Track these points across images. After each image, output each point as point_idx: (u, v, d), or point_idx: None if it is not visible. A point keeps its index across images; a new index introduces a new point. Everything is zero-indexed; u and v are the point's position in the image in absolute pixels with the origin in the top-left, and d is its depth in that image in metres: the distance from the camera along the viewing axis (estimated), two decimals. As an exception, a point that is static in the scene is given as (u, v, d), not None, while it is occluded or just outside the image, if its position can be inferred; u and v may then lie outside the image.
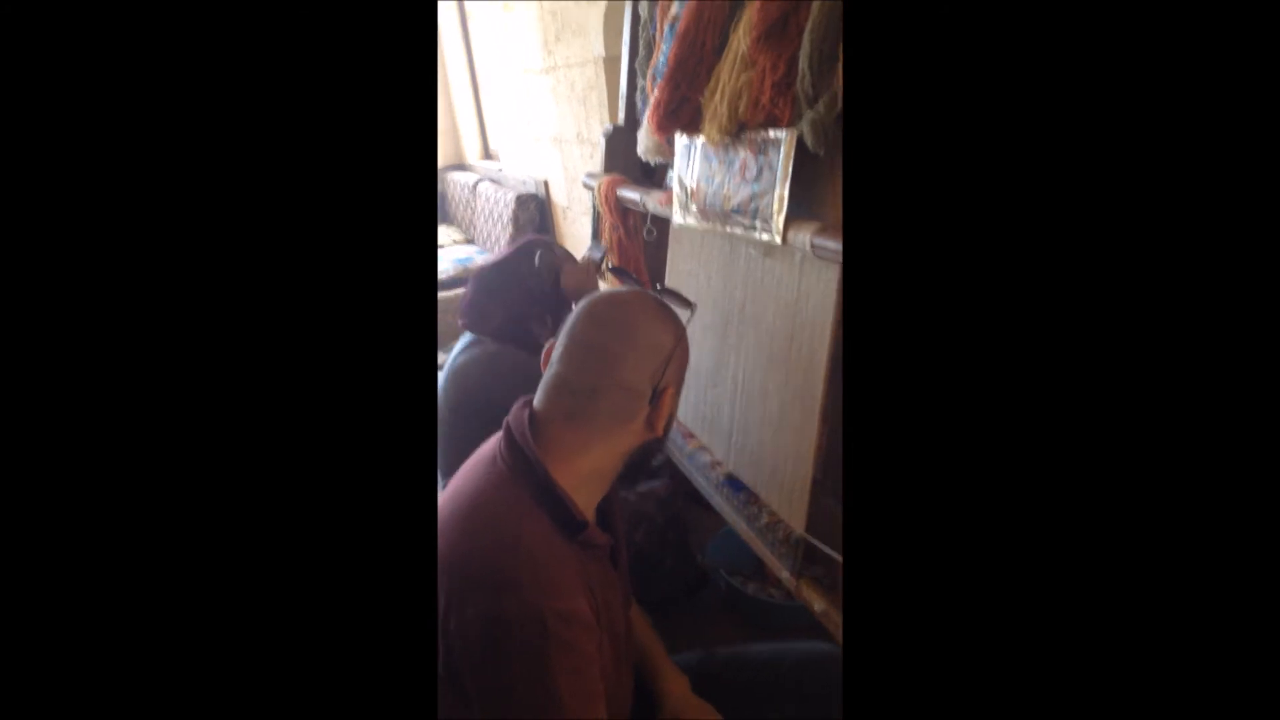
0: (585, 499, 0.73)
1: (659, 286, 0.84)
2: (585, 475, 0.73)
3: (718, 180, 1.05)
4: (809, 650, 0.92)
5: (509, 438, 0.72)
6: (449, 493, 0.76)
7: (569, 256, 1.54)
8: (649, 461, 0.81)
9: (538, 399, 0.75)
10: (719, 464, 1.20)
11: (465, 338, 1.46)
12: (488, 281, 1.42)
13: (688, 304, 0.83)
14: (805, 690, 0.85)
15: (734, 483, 1.14)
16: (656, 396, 0.73)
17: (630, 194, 1.36)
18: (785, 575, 1.01)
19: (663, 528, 1.41)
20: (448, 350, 1.48)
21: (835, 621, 0.93)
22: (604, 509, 0.78)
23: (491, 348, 1.38)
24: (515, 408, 0.75)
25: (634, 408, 0.73)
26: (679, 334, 0.77)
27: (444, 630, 0.63)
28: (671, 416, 0.78)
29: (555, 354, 0.76)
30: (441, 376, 1.40)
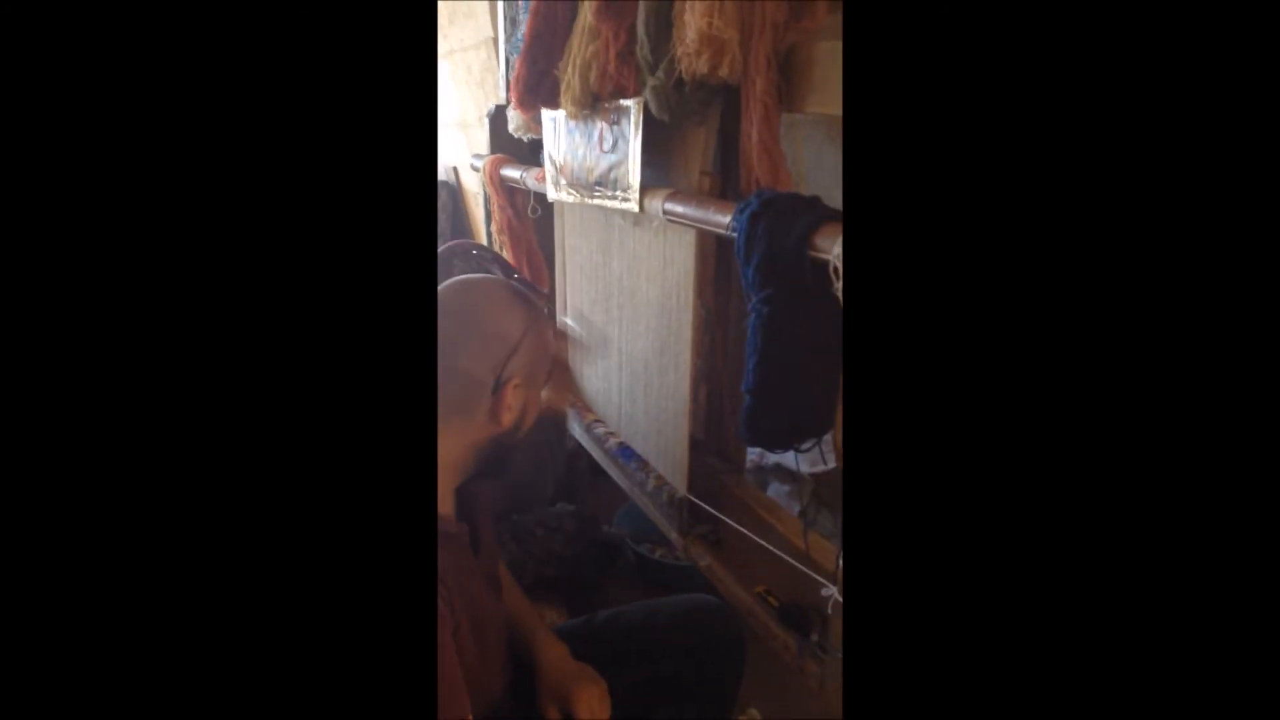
0: (440, 489, 0.73)
1: (517, 276, 0.82)
2: (447, 464, 0.73)
3: (580, 153, 1.05)
4: (684, 602, 0.94)
5: None
6: None
7: (496, 261, 1.50)
8: (505, 460, 0.79)
9: None
10: (612, 434, 1.22)
11: None
12: None
13: (542, 294, 0.82)
14: (681, 641, 0.87)
15: (625, 451, 1.16)
16: (499, 387, 0.73)
17: (512, 172, 1.36)
18: (674, 535, 1.04)
19: (574, 534, 1.42)
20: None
21: (719, 575, 0.96)
22: (462, 497, 0.78)
23: None
24: None
25: (473, 397, 0.72)
26: (529, 325, 0.75)
27: None
28: (521, 411, 0.76)
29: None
30: None
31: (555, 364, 0.79)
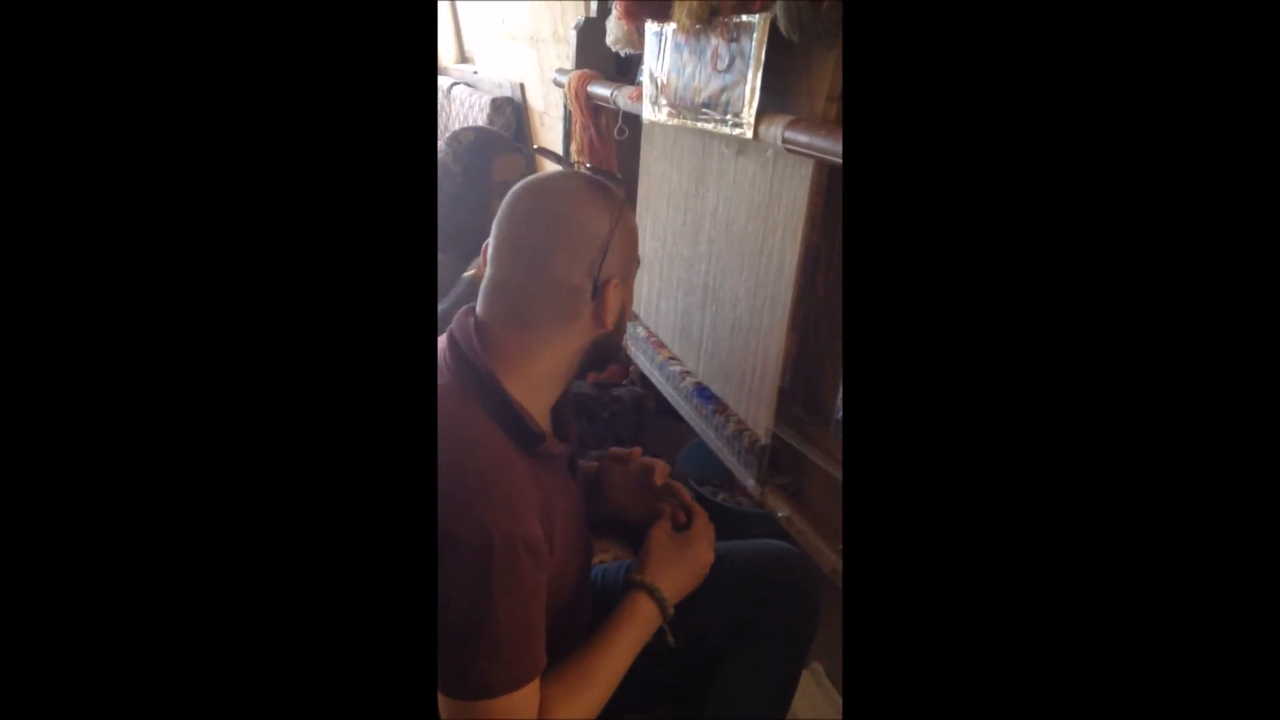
0: (539, 405, 0.70)
1: (587, 166, 0.77)
2: (537, 381, 0.69)
3: (688, 71, 0.98)
4: (762, 548, 0.91)
5: (455, 349, 0.68)
6: None
7: (499, 144, 1.47)
8: (606, 358, 0.76)
9: (479, 305, 0.70)
10: (688, 373, 1.18)
11: None
12: None
13: (618, 180, 0.77)
14: (757, 587, 0.84)
15: (703, 392, 1.12)
16: (598, 291, 0.68)
17: (601, 90, 1.29)
18: (751, 483, 1.01)
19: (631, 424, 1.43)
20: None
21: (799, 528, 0.93)
22: (558, 411, 0.75)
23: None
24: (458, 316, 0.70)
25: (576, 305, 0.68)
26: (615, 216, 0.69)
27: None
28: (623, 310, 0.73)
29: (489, 254, 0.71)
30: None
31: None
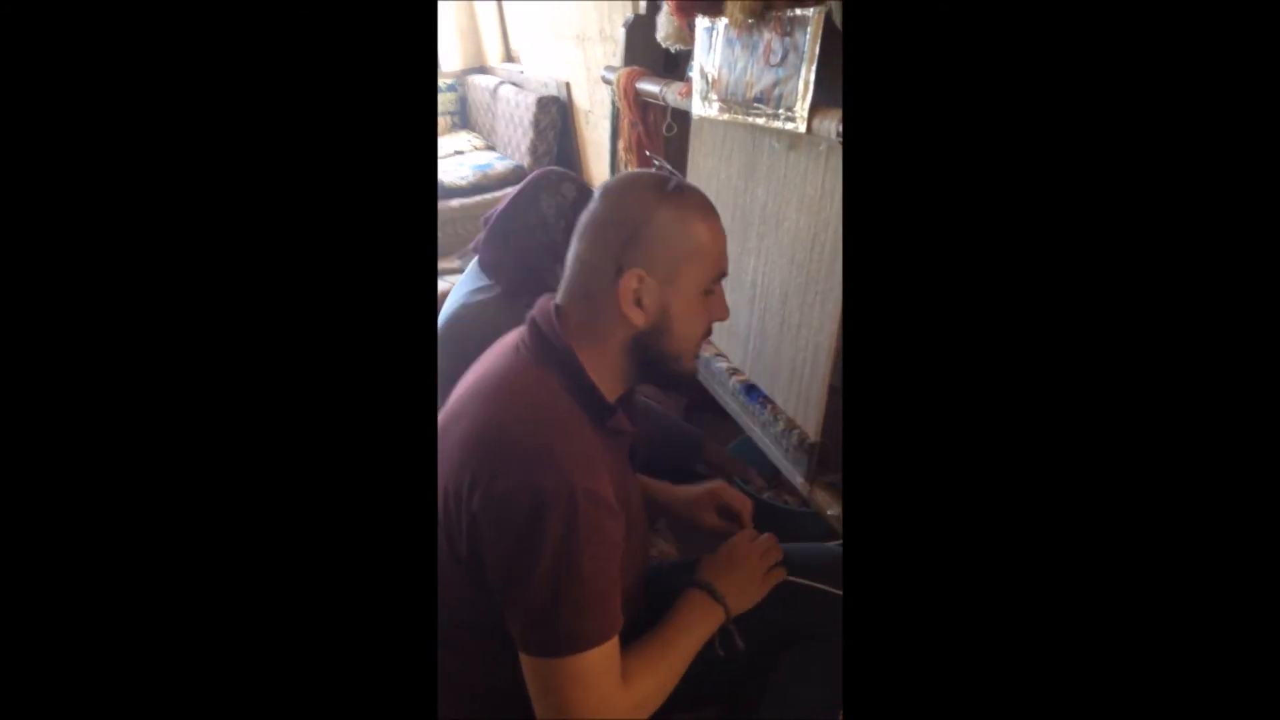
0: (607, 392, 0.71)
1: (667, 167, 0.76)
2: (603, 362, 0.71)
3: (740, 66, 0.98)
4: (817, 552, 0.90)
5: (534, 329, 0.71)
6: (468, 380, 0.74)
7: (587, 192, 1.25)
8: (663, 372, 0.74)
9: (562, 286, 0.73)
10: (736, 371, 1.17)
11: (473, 274, 1.27)
12: (499, 230, 1.22)
13: (674, 172, 0.75)
14: (814, 595, 0.84)
15: (751, 390, 1.12)
16: (618, 275, 0.68)
17: (650, 86, 1.29)
18: (799, 481, 1.00)
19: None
20: (451, 266, 1.37)
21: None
22: (621, 402, 0.75)
23: (501, 304, 1.20)
24: (540, 302, 0.73)
25: (602, 284, 0.69)
26: (652, 208, 0.69)
27: (463, 506, 0.62)
28: (661, 311, 0.70)
29: (575, 234, 0.73)
30: (441, 317, 1.25)
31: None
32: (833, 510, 0.95)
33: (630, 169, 1.43)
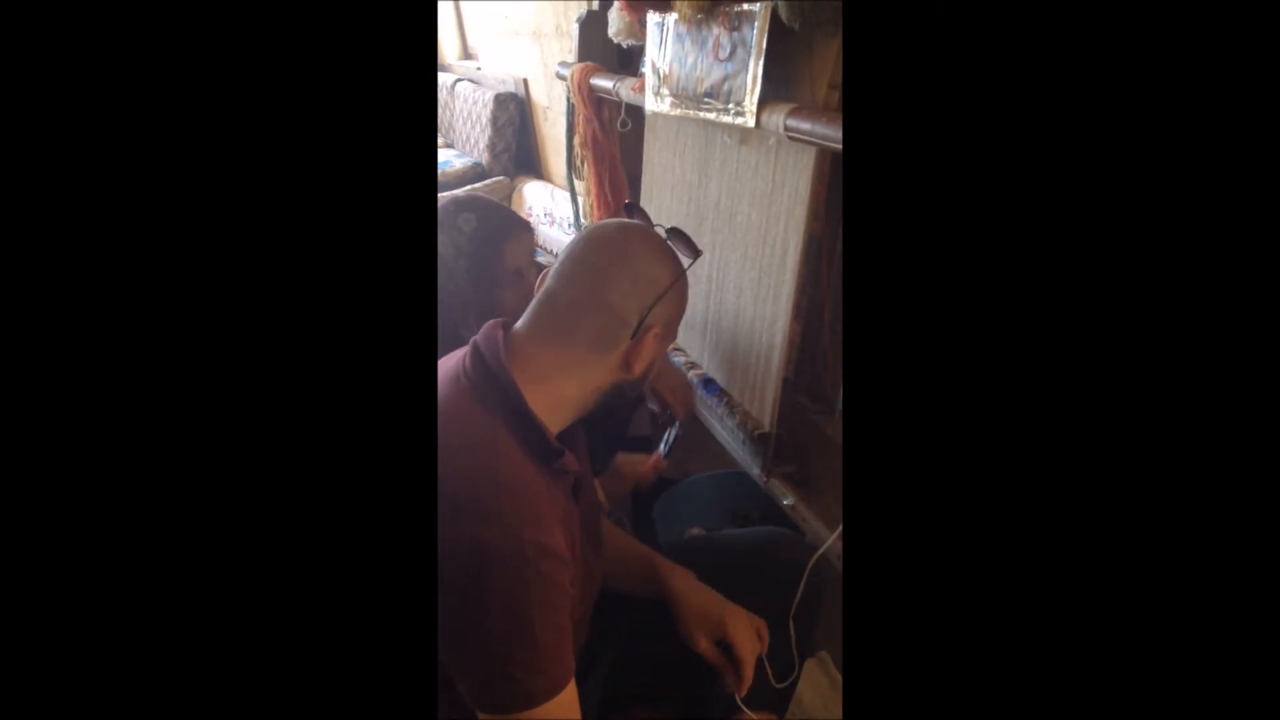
0: (553, 426, 0.69)
1: (669, 228, 0.77)
2: (556, 400, 0.68)
3: (690, 61, 0.98)
4: (764, 535, 0.91)
5: (477, 359, 0.67)
6: None
7: (509, 225, 1.10)
8: (622, 413, 0.75)
9: (523, 318, 0.71)
10: (694, 365, 1.18)
11: None
12: None
13: (695, 250, 0.76)
14: (760, 574, 0.85)
15: (709, 383, 1.12)
16: (640, 331, 0.68)
17: (604, 82, 1.29)
18: (757, 472, 1.01)
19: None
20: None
21: (804, 515, 0.93)
22: (564, 437, 0.72)
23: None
24: (486, 328, 0.70)
25: (616, 335, 0.68)
26: (678, 274, 0.72)
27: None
28: (652, 364, 0.72)
29: (550, 274, 0.71)
30: None
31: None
32: (787, 500, 0.96)
33: (587, 167, 1.43)
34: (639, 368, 0.69)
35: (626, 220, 0.75)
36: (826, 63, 0.83)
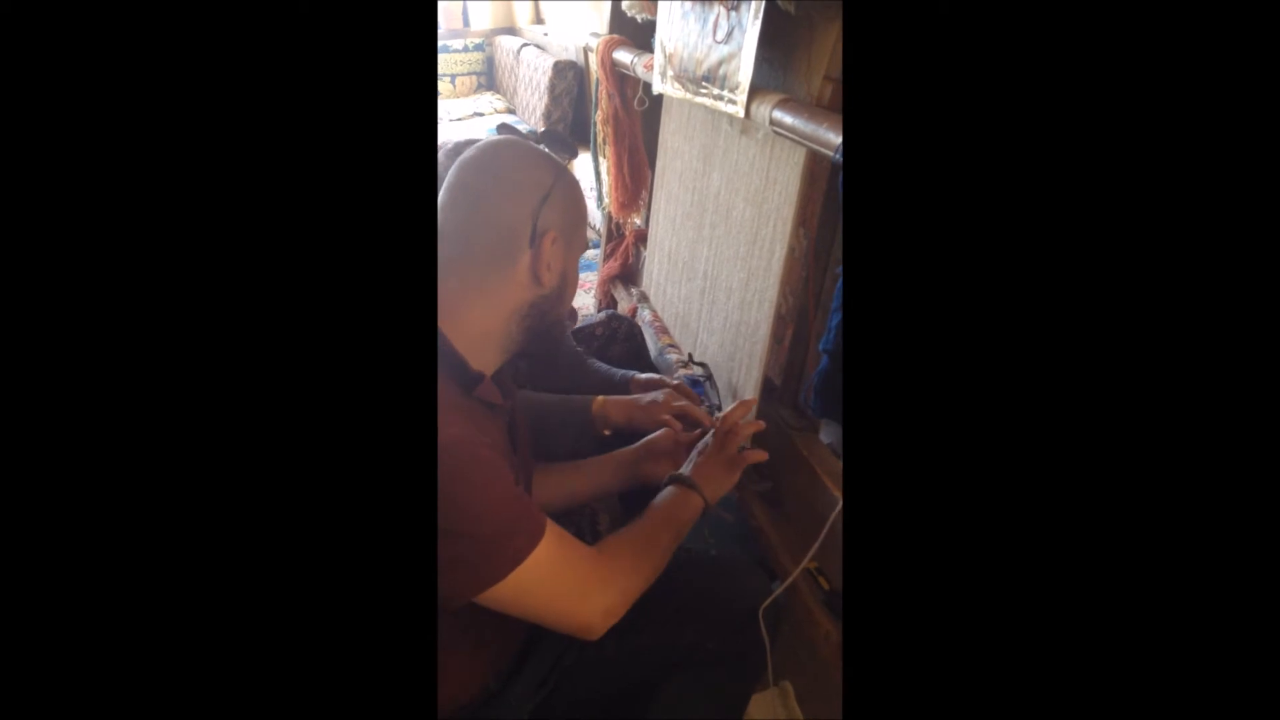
0: (483, 365, 0.67)
1: (542, 131, 0.74)
2: (476, 334, 0.66)
3: (693, 41, 0.91)
4: (712, 564, 0.85)
5: None
6: None
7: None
8: (549, 337, 0.70)
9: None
10: (684, 366, 1.12)
11: None
12: None
13: (571, 149, 0.74)
14: (704, 611, 0.78)
15: (696, 383, 1.06)
16: (536, 239, 0.65)
17: (624, 56, 1.22)
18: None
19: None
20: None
21: (771, 541, 0.87)
22: (498, 378, 0.70)
23: None
24: None
25: (511, 247, 0.65)
26: (558, 173, 0.68)
27: None
28: (563, 276, 0.69)
29: (449, 200, 0.68)
30: None
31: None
32: (755, 521, 0.90)
33: (607, 145, 1.37)
34: (548, 278, 0.66)
35: (493, 138, 0.72)
36: (824, 53, 0.75)
